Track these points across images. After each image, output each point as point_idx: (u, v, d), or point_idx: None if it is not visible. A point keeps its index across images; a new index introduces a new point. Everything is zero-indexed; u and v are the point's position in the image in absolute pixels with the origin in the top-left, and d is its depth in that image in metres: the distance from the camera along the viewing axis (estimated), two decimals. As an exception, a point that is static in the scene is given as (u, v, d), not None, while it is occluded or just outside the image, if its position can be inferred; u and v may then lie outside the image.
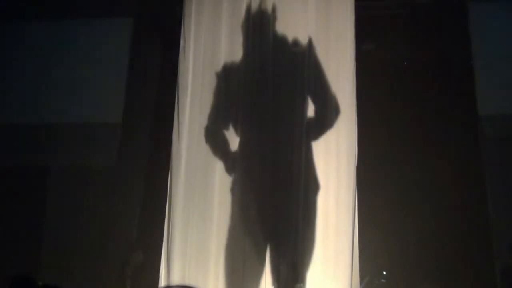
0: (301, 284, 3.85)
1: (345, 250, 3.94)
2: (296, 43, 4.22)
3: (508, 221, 4.54)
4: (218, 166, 4.18)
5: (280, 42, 4.21)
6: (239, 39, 4.25)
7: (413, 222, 4.39)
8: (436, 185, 4.52)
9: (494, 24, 4.74)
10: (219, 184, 4.15)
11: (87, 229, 4.82)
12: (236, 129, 4.17)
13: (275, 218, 4.00)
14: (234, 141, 4.17)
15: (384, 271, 4.40)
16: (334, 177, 4.06)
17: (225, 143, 4.17)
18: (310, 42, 4.19)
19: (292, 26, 4.23)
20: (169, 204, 4.21)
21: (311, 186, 4.02)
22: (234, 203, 4.08)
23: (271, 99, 4.15)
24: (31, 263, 4.71)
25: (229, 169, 4.11)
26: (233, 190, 4.08)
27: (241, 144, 4.13)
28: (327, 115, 4.11)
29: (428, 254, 4.39)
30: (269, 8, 4.23)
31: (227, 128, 4.19)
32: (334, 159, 4.09)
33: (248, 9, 4.25)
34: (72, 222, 4.87)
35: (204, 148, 4.21)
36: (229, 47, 4.29)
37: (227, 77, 4.25)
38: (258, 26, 4.23)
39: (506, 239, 4.52)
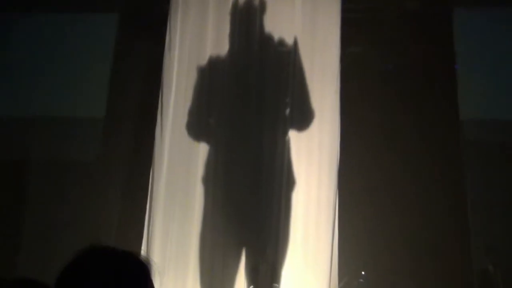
0: (277, 285, 3.86)
1: (324, 251, 3.95)
2: (281, 42, 4.22)
3: (486, 224, 4.60)
4: (201, 162, 4.16)
5: (266, 41, 4.21)
6: (225, 37, 4.24)
7: (393, 223, 4.42)
8: (416, 187, 4.56)
9: (478, 30, 4.80)
10: (201, 180, 4.14)
11: (67, 224, 4.77)
12: (218, 126, 4.16)
13: (255, 217, 4.00)
14: (215, 137, 4.16)
15: (363, 271, 4.42)
16: (316, 178, 4.07)
17: (208, 137, 4.16)
18: (295, 42, 4.19)
19: (279, 26, 4.23)
20: (150, 200, 4.18)
21: (290, 184, 4.03)
22: (214, 200, 4.07)
23: (255, 96, 4.15)
24: (10, 258, 4.66)
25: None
26: (208, 183, 4.06)
27: (223, 141, 4.12)
28: (303, 118, 4.12)
29: (407, 254, 4.43)
30: (255, 7, 4.23)
31: (209, 124, 4.19)
32: (316, 159, 4.10)
33: (235, 7, 4.24)
34: (51, 217, 4.83)
35: (187, 145, 4.19)
36: (215, 44, 4.27)
37: (212, 74, 4.24)
38: (245, 25, 4.23)
39: (484, 241, 4.58)
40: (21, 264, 4.68)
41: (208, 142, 4.15)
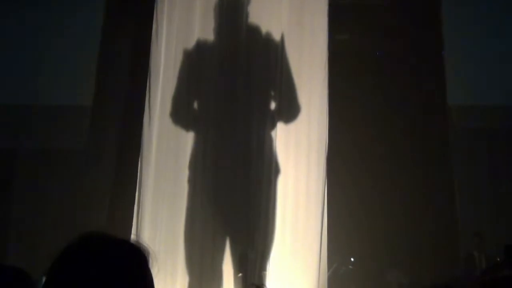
0: (266, 272, 3.88)
1: (313, 238, 3.97)
2: (269, 31, 4.19)
3: (473, 209, 4.64)
4: (189, 150, 4.16)
5: (254, 30, 4.18)
6: (212, 26, 4.20)
7: (381, 211, 4.46)
8: (405, 174, 4.59)
9: (466, 17, 4.80)
10: (188, 168, 4.13)
11: (55, 212, 4.77)
12: (206, 115, 4.14)
13: (243, 206, 4.01)
14: (202, 126, 4.14)
15: (352, 257, 4.47)
16: (304, 168, 4.06)
17: (194, 126, 4.15)
18: (283, 31, 4.16)
19: (266, 15, 4.20)
20: (139, 187, 4.17)
21: (277, 174, 4.04)
22: (203, 188, 4.07)
23: (243, 86, 4.13)
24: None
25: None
26: (196, 171, 4.05)
27: (210, 130, 4.11)
28: (291, 111, 4.11)
29: (395, 241, 4.47)
30: (243, -5, 4.19)
31: (195, 112, 4.17)
32: (305, 150, 4.09)
33: (222, -4, 4.21)
34: (40, 204, 4.82)
35: (175, 132, 4.18)
36: (202, 33, 4.23)
37: (199, 64, 4.21)
38: (232, 14, 4.18)
39: (470, 226, 4.62)
40: (9, 249, 4.68)
41: (195, 130, 4.14)
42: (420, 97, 4.72)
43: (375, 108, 4.67)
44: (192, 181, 4.07)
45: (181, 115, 4.15)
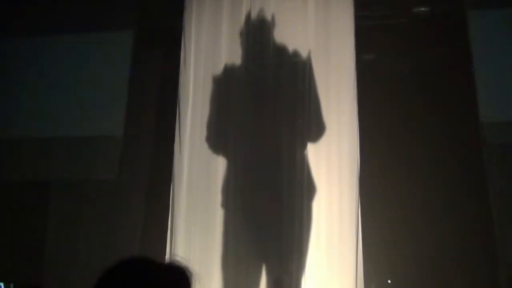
0: None
1: (349, 259, 3.92)
2: (296, 53, 4.23)
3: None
4: (220, 176, 4.17)
5: (281, 53, 4.22)
6: (239, 52, 4.26)
7: (417, 231, 4.37)
8: (438, 193, 4.51)
9: (494, 31, 4.74)
10: (220, 193, 4.14)
11: (89, 243, 4.80)
12: (236, 138, 4.17)
13: (276, 229, 3.99)
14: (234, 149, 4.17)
15: (389, 280, 4.38)
16: (336, 187, 4.05)
17: (226, 149, 4.18)
18: (310, 52, 4.20)
19: (292, 37, 4.25)
20: (172, 217, 4.20)
21: (310, 194, 4.02)
22: (235, 213, 4.07)
23: (271, 109, 4.16)
24: (33, 277, 4.69)
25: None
26: (228, 196, 4.05)
27: (241, 153, 4.13)
28: (316, 130, 4.11)
29: (432, 262, 4.37)
30: (268, 19, 4.25)
31: (227, 136, 4.20)
32: (336, 168, 4.08)
33: (248, 20, 4.27)
34: (74, 236, 4.85)
35: (205, 159, 4.21)
36: (229, 59, 4.30)
37: (228, 89, 4.26)
38: (258, 39, 4.25)
39: (511, 248, 4.48)
40: (43, 282, 4.72)
41: (226, 154, 4.16)
42: (451, 115, 4.66)
43: (405, 126, 4.62)
44: (225, 205, 4.08)
45: (214, 140, 4.20)
